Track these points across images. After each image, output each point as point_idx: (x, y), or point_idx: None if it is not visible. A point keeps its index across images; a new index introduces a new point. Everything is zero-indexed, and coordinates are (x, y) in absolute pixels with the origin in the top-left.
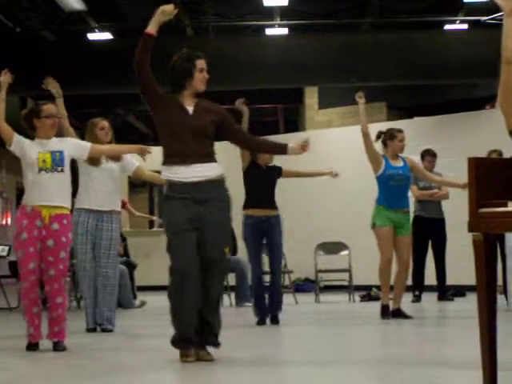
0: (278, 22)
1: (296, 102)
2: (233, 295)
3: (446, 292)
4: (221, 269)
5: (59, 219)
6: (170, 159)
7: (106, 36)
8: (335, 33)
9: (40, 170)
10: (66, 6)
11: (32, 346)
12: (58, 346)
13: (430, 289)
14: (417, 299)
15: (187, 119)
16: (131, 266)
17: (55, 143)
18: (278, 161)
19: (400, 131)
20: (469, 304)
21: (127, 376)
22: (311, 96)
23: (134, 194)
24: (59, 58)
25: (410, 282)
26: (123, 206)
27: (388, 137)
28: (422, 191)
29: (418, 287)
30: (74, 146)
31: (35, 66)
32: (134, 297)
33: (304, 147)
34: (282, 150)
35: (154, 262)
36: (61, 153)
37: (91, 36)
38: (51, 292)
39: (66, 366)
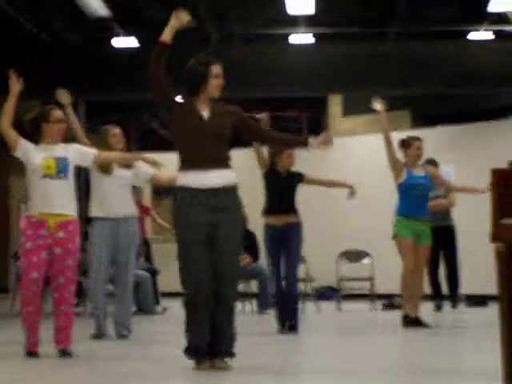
0: (303, 30)
1: (320, 110)
2: (254, 302)
3: (457, 301)
4: (234, 279)
5: (65, 226)
6: (185, 165)
7: (131, 42)
8: (360, 41)
9: (44, 176)
10: (91, 13)
11: (31, 354)
12: (64, 353)
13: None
14: (438, 308)
15: (203, 124)
16: (154, 273)
17: (60, 149)
18: (299, 167)
19: (416, 139)
20: (489, 313)
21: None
22: (335, 104)
23: (158, 200)
24: (84, 63)
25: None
26: (147, 212)
27: (405, 145)
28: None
29: (437, 296)
30: (78, 153)
31: (60, 71)
32: (157, 303)
33: (327, 141)
34: (303, 143)
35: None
36: (65, 159)
37: (116, 42)
38: (59, 299)
39: (73, 373)
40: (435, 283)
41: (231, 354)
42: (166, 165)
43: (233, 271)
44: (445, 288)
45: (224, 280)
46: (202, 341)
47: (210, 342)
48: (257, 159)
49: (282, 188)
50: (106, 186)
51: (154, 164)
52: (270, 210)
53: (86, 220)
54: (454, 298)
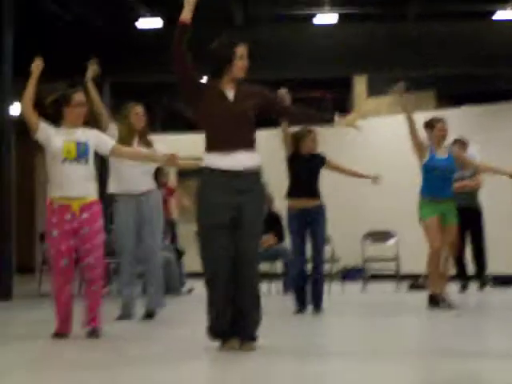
0: (327, 10)
1: (345, 90)
2: (279, 283)
3: (485, 282)
4: (255, 262)
5: (88, 208)
6: (211, 146)
7: (156, 23)
8: (384, 22)
9: (64, 159)
10: None
11: (60, 335)
12: (93, 333)
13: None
14: (463, 288)
15: (228, 106)
16: (179, 253)
17: (81, 133)
18: (320, 150)
19: (440, 120)
20: None
21: (161, 365)
22: (360, 84)
23: (183, 182)
24: (108, 45)
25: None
26: (172, 193)
27: (429, 126)
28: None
29: (462, 277)
30: (97, 140)
31: (84, 53)
32: (183, 283)
33: (354, 123)
34: (329, 120)
35: None
36: (86, 144)
37: (140, 23)
38: (89, 279)
39: (96, 354)
40: (461, 264)
41: (253, 339)
42: (190, 146)
43: (254, 254)
44: (471, 269)
45: (245, 263)
46: (222, 322)
47: (232, 323)
48: (283, 141)
49: (305, 171)
50: (124, 162)
51: (170, 163)
52: (293, 193)
53: (107, 201)
54: (481, 279)
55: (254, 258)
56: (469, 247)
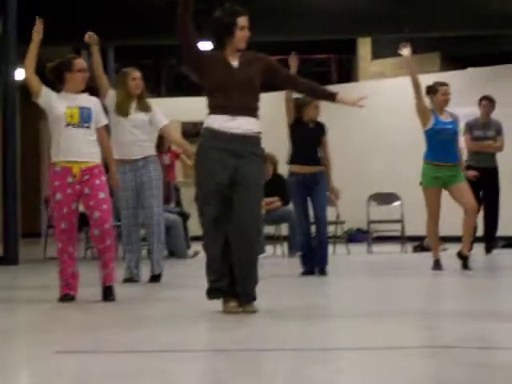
0: None
1: (349, 53)
2: (285, 245)
3: (493, 245)
4: (256, 223)
5: (89, 171)
6: (214, 110)
7: None
8: None
9: (67, 124)
10: None
11: (66, 297)
12: (108, 295)
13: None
14: (490, 250)
15: (233, 73)
16: (184, 216)
17: (83, 99)
18: (325, 113)
19: (443, 84)
20: None
21: (165, 327)
22: (364, 46)
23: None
24: (112, 8)
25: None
26: (177, 157)
27: (432, 91)
28: (475, 143)
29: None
30: (97, 109)
31: (88, 17)
32: (188, 247)
33: (358, 102)
34: (332, 97)
35: None
36: (89, 109)
37: None
38: (100, 234)
39: (101, 316)
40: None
41: (254, 299)
42: (195, 110)
43: (254, 215)
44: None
45: (246, 223)
46: (221, 283)
47: (231, 284)
48: (286, 108)
49: (307, 139)
50: (122, 127)
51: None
52: (295, 159)
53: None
54: (491, 240)
55: (255, 219)
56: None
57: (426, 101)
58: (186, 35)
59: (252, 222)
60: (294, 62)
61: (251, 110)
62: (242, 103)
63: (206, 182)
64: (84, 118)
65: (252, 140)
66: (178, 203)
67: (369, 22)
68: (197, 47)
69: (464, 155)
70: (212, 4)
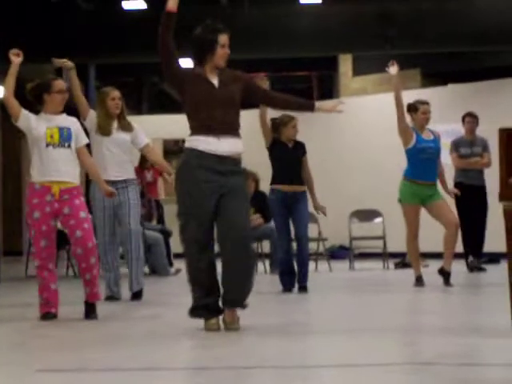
0: None
1: (330, 69)
2: (267, 262)
3: (480, 261)
4: (248, 226)
5: (68, 192)
6: (197, 130)
7: (140, 4)
8: (369, 0)
9: (47, 145)
10: None
11: (48, 315)
12: (90, 313)
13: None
14: (472, 269)
15: (214, 91)
16: (166, 234)
17: (62, 119)
18: (307, 130)
19: (423, 103)
20: (503, 271)
21: (146, 345)
22: (345, 63)
23: (168, 160)
24: (94, 26)
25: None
26: (160, 174)
27: (412, 109)
28: (462, 160)
29: (471, 254)
30: (76, 129)
31: (70, 34)
32: (170, 264)
33: (336, 107)
34: (310, 107)
35: None
36: (68, 129)
37: (126, 5)
38: (83, 253)
39: (82, 335)
40: (470, 241)
41: (243, 306)
42: (176, 127)
43: (245, 218)
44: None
45: (238, 226)
46: (208, 299)
47: (215, 303)
48: (261, 126)
49: (288, 159)
50: (103, 147)
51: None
52: (276, 180)
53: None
54: (477, 256)
55: (246, 221)
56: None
57: (407, 118)
58: (166, 51)
59: (243, 223)
60: (263, 83)
61: (234, 129)
62: (224, 122)
63: (188, 198)
64: (64, 138)
65: (234, 160)
66: (160, 220)
67: (350, 39)
68: (177, 63)
69: (451, 173)
70: (192, 22)
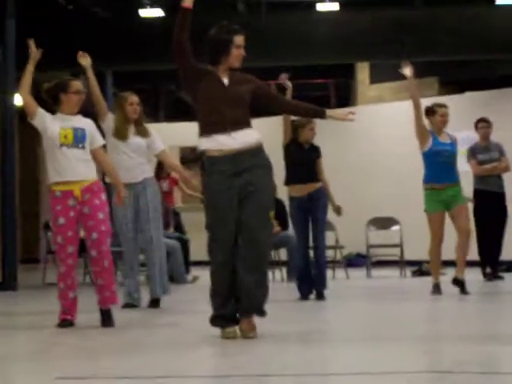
0: None
1: (347, 77)
2: (284, 270)
3: (497, 269)
4: (266, 236)
5: (90, 189)
6: (208, 128)
7: (158, 13)
8: (386, 8)
9: (61, 145)
10: None
11: (65, 322)
12: (107, 320)
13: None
14: (490, 278)
15: (225, 90)
16: (184, 242)
17: (77, 120)
18: (324, 137)
19: (441, 106)
20: None
21: (165, 353)
22: (363, 71)
23: (185, 167)
24: (111, 34)
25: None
26: (176, 183)
27: (430, 112)
28: (481, 167)
29: (488, 264)
30: (91, 130)
31: (87, 42)
32: (187, 272)
33: (348, 116)
34: (321, 114)
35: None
36: (83, 130)
37: (143, 12)
38: (98, 256)
39: (100, 342)
40: (485, 250)
41: (262, 313)
42: (193, 134)
43: (265, 228)
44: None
45: (255, 238)
46: (225, 309)
47: (235, 311)
48: (283, 128)
49: (303, 160)
50: (120, 151)
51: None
52: (291, 180)
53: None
54: (494, 265)
55: (266, 223)
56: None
57: (425, 122)
58: (181, 50)
59: (264, 226)
60: (286, 82)
61: (244, 123)
62: (234, 119)
63: (212, 211)
64: (78, 139)
65: (252, 151)
66: (178, 228)
67: (367, 47)
68: (192, 60)
69: (469, 179)
70: (209, 28)
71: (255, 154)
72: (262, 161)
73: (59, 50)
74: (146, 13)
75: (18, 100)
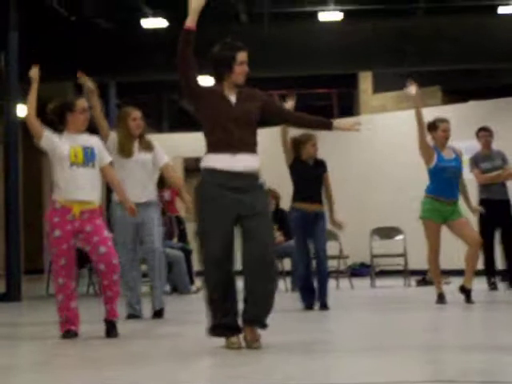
0: (333, 7)
1: (350, 87)
2: (288, 280)
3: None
4: (271, 253)
5: (88, 212)
6: (214, 147)
7: (161, 23)
8: (389, 18)
9: (72, 164)
10: None
11: (70, 333)
12: (111, 331)
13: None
14: (493, 287)
15: (231, 109)
16: (187, 252)
17: (86, 138)
18: (327, 147)
19: (443, 121)
20: None
21: (169, 363)
22: (365, 80)
23: (189, 178)
24: (114, 45)
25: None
26: (177, 194)
27: (432, 128)
28: (485, 175)
29: (492, 274)
30: (99, 147)
31: (90, 53)
32: (192, 282)
33: (354, 127)
34: (328, 126)
35: None
36: (92, 149)
37: (145, 23)
38: (107, 270)
39: (103, 353)
40: (490, 260)
41: (264, 325)
42: (197, 144)
43: (270, 236)
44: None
45: (262, 246)
46: (228, 318)
47: (235, 321)
48: (282, 144)
49: (309, 177)
50: (126, 169)
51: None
52: (297, 198)
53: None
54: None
55: (270, 238)
56: (497, 243)
57: (428, 137)
58: (186, 66)
59: (267, 243)
60: (291, 100)
61: (251, 146)
62: (241, 139)
63: (204, 217)
64: (88, 157)
65: (251, 176)
66: (183, 237)
67: (370, 57)
68: (196, 79)
69: (473, 189)
70: (212, 39)
71: (253, 178)
72: (258, 184)
73: (62, 61)
74: (149, 23)
75: (21, 111)
